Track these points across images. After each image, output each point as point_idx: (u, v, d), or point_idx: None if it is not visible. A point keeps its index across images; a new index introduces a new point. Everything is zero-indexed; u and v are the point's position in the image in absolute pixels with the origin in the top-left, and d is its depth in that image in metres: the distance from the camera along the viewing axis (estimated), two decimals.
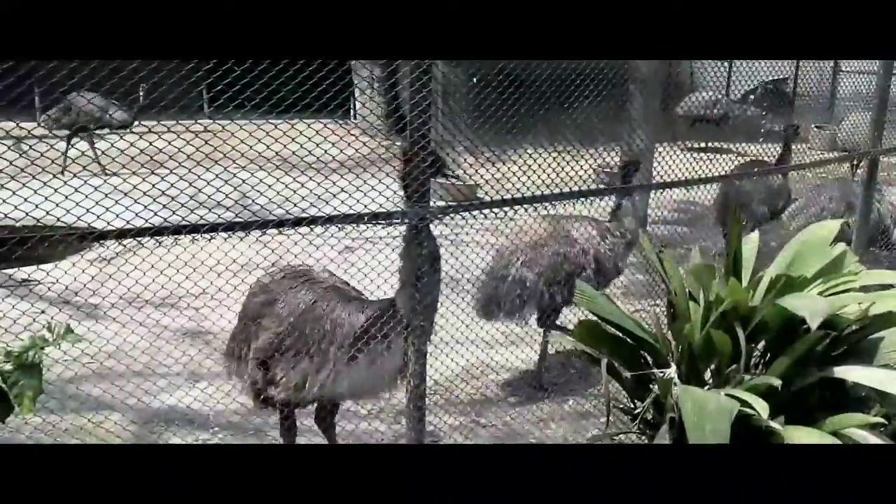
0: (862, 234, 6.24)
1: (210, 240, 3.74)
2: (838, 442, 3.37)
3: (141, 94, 11.55)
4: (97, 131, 12.26)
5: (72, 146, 12.20)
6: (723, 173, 6.13)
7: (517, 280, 5.69)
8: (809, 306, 3.54)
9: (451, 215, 4.07)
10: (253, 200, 4.67)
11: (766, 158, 8.44)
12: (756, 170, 7.67)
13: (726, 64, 15.18)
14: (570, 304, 5.73)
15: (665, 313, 4.38)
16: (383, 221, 3.64)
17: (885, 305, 3.91)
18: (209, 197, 3.85)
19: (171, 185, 3.56)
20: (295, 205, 4.16)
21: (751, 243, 4.53)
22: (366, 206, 3.76)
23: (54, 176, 3.37)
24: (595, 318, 3.96)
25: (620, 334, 3.95)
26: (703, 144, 15.36)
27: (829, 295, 4.08)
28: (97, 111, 11.88)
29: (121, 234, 3.16)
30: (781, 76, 14.95)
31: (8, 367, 2.49)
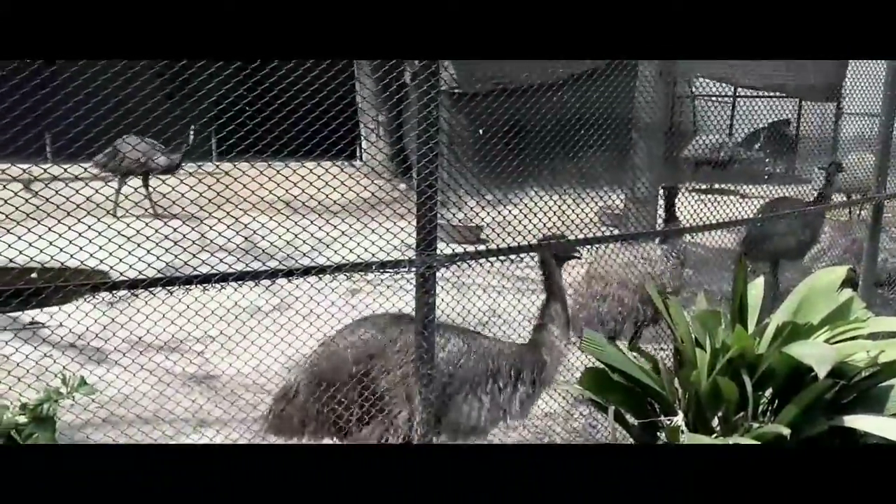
0: (869, 278, 6.22)
1: (221, 289, 3.76)
2: None
3: (191, 136, 11.84)
4: (144, 176, 12.40)
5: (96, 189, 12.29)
6: (746, 214, 6.23)
7: (616, 299, 6.39)
8: (817, 354, 3.52)
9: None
10: (256, 245, 4.68)
11: (790, 196, 8.44)
12: (779, 210, 7.63)
13: (729, 107, 15.29)
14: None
15: (672, 359, 4.36)
16: (391, 269, 3.63)
17: (894, 353, 3.90)
18: (211, 241, 3.86)
19: (174, 229, 3.57)
20: (299, 249, 4.16)
21: (756, 289, 4.51)
22: (373, 254, 3.76)
23: (79, 220, 3.39)
24: (602, 366, 3.94)
25: (628, 382, 3.93)
26: (705, 186, 15.41)
27: (837, 342, 4.06)
28: (142, 156, 11.99)
29: (133, 285, 3.16)
30: (783, 118, 15.02)
31: (22, 419, 2.48)
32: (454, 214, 10.62)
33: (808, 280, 4.44)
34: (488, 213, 5.27)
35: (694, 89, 15.27)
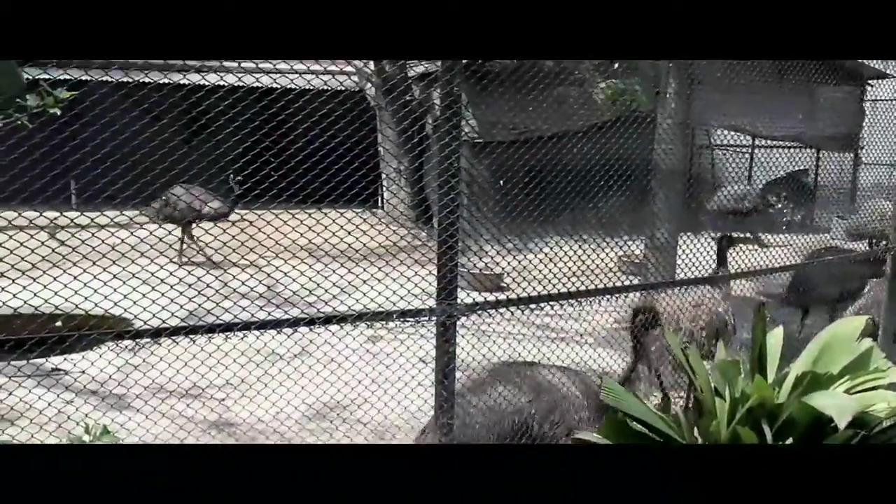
0: (889, 327, 6.19)
1: (243, 337, 3.83)
2: None
3: (234, 184, 12.07)
4: (187, 224, 12.65)
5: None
6: (771, 263, 6.34)
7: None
8: (837, 405, 3.51)
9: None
10: (279, 293, 4.73)
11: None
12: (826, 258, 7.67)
13: (747, 156, 15.33)
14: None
15: (692, 409, 4.35)
16: (411, 318, 3.67)
17: None
18: (234, 290, 3.92)
19: (198, 278, 3.63)
20: (321, 298, 4.21)
21: (775, 338, 4.51)
22: (394, 302, 3.80)
23: (104, 269, 3.46)
24: (622, 416, 3.94)
25: (647, 431, 3.93)
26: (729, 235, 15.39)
27: (857, 392, 4.05)
28: (196, 203, 12.21)
29: (156, 333, 3.21)
30: (801, 167, 15.06)
31: None
32: (475, 263, 10.67)
33: (829, 329, 4.43)
34: (508, 263, 5.32)
35: (713, 139, 15.35)
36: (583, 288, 4.63)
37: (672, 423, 4.00)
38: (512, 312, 4.21)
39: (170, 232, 12.15)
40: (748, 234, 8.48)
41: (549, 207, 5.69)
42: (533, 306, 4.13)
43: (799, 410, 3.75)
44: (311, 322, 3.48)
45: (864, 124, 12.84)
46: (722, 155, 15.47)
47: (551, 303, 4.28)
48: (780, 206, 15.69)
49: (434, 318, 3.64)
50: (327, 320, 3.49)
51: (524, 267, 4.85)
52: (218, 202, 12.52)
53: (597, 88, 8.28)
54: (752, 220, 15.60)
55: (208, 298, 3.66)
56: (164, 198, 12.33)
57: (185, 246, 12.60)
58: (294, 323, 3.43)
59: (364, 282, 4.42)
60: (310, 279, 4.11)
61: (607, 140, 6.17)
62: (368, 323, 3.72)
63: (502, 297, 4.02)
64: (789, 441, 3.98)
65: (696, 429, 4.10)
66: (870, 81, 13.70)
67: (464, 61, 12.60)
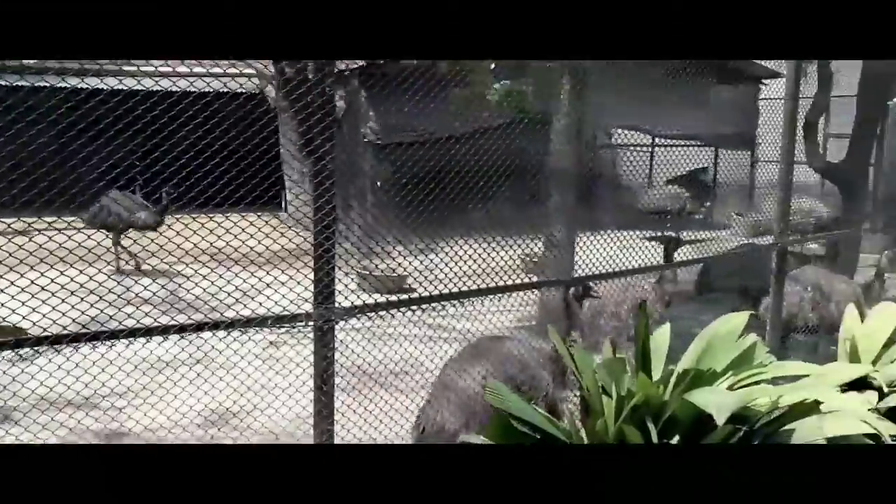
0: (777, 322, 6.32)
1: (130, 345, 3.67)
2: None
3: (164, 196, 11.62)
4: (118, 232, 12.23)
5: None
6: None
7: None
8: (717, 401, 3.52)
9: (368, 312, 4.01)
10: (181, 299, 4.55)
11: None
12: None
13: (648, 155, 15.59)
14: None
15: (579, 407, 4.33)
16: (287, 324, 3.54)
17: (795, 396, 3.92)
18: (137, 295, 3.77)
19: (99, 283, 3.47)
20: (223, 302, 4.08)
21: (662, 335, 4.53)
22: (298, 306, 3.68)
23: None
24: (507, 416, 3.88)
25: (531, 432, 3.88)
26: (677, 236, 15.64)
27: (740, 387, 4.09)
28: (126, 212, 11.88)
29: (37, 342, 3.05)
30: (701, 166, 15.38)
31: None
32: (376, 265, 10.57)
33: (712, 326, 4.47)
34: (410, 263, 5.25)
35: (614, 139, 15.57)
36: (482, 286, 4.61)
37: (558, 423, 3.97)
38: (413, 312, 4.15)
39: (89, 237, 11.76)
40: (680, 234, 8.69)
41: (451, 208, 5.64)
42: (436, 305, 4.05)
43: (681, 407, 3.75)
44: (181, 329, 3.33)
45: (759, 123, 13.17)
46: (623, 154, 15.70)
47: (453, 303, 4.23)
48: (707, 205, 16.01)
49: (311, 324, 3.52)
50: (198, 328, 3.34)
51: (426, 267, 4.78)
52: (149, 213, 12.13)
53: (490, 90, 8.29)
54: (672, 218, 15.87)
55: (110, 304, 3.49)
56: (99, 204, 11.93)
57: (119, 253, 12.24)
58: (164, 330, 3.27)
59: (267, 285, 4.30)
60: (212, 283, 3.99)
61: (503, 141, 6.16)
62: (241, 330, 3.56)
63: (382, 299, 3.89)
64: (676, 438, 4.01)
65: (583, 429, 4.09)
66: (764, 81, 14.06)
67: (363, 63, 12.44)
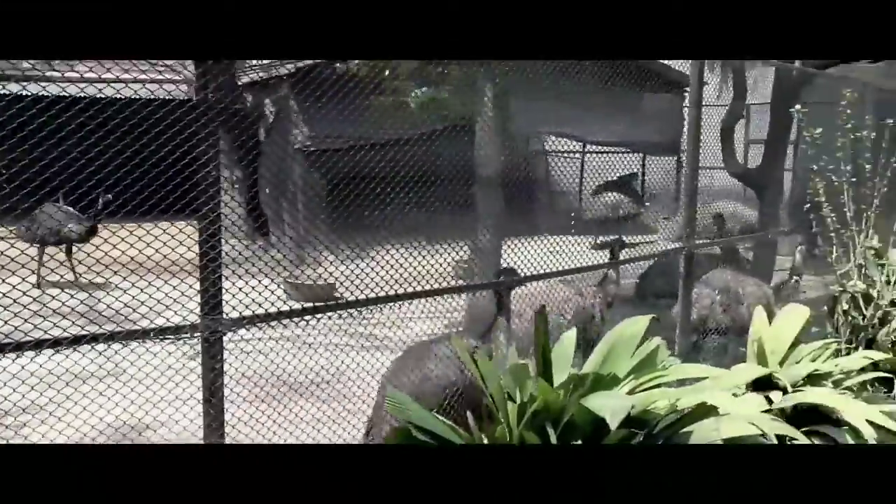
0: (686, 326, 6.41)
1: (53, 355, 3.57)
2: None
3: (100, 202, 11.11)
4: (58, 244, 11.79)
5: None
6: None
7: None
8: (611, 405, 3.56)
9: (269, 320, 3.93)
10: (96, 311, 4.45)
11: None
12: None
13: (579, 161, 15.73)
14: None
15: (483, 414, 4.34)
16: (171, 336, 3.44)
17: (692, 399, 3.98)
18: (45, 305, 3.67)
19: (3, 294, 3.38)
20: (145, 316, 3.98)
21: (569, 339, 4.56)
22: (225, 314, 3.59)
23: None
24: (407, 425, 3.87)
25: (433, 441, 3.87)
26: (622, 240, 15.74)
27: (641, 391, 4.13)
28: (57, 224, 11.38)
29: None
30: (631, 172, 15.56)
31: None
32: (303, 272, 10.47)
33: (615, 330, 4.52)
34: (338, 270, 5.19)
35: (545, 145, 15.67)
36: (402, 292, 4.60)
37: (461, 430, 3.97)
38: (342, 318, 4.10)
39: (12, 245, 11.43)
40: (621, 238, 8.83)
41: (380, 215, 5.63)
42: (365, 311, 4.01)
43: (579, 412, 3.78)
44: (55, 343, 3.22)
45: (684, 129, 13.35)
46: (554, 160, 15.82)
47: (382, 310, 4.19)
48: (648, 211, 16.16)
49: (198, 335, 3.43)
50: (75, 340, 3.23)
51: (356, 275, 4.74)
52: (79, 224, 11.64)
53: (411, 96, 8.30)
54: (608, 223, 15.99)
55: (15, 315, 3.39)
56: (31, 216, 11.43)
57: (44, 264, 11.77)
58: (36, 345, 3.16)
59: (182, 293, 4.21)
60: (133, 297, 3.89)
61: (430, 147, 6.17)
62: (123, 343, 3.44)
63: (273, 309, 3.81)
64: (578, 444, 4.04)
65: (485, 436, 4.09)
66: (687, 88, 14.28)
67: (293, 68, 12.33)
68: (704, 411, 3.88)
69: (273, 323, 3.91)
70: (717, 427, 3.90)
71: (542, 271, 6.08)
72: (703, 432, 3.91)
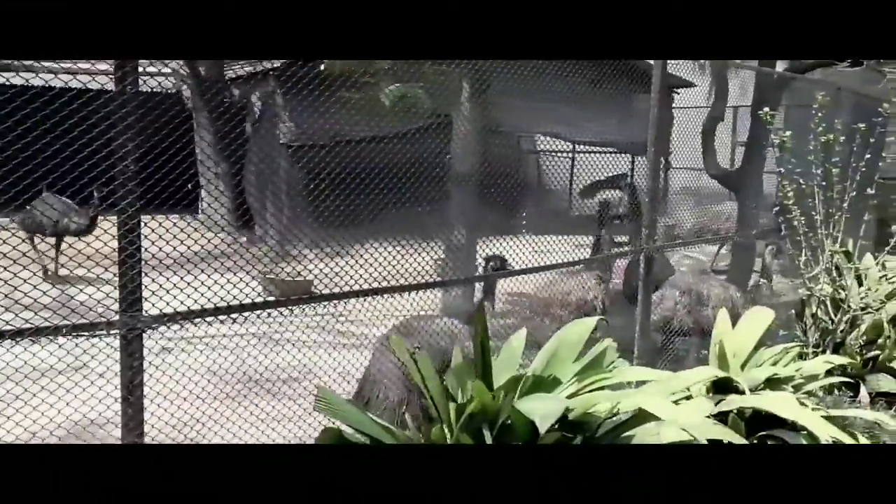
0: (645, 328, 6.36)
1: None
2: None
3: (95, 197, 11.05)
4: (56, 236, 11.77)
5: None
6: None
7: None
8: (542, 409, 3.51)
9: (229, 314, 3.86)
10: (66, 302, 4.43)
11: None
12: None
13: (569, 159, 15.69)
14: None
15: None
16: (86, 333, 3.34)
17: (633, 402, 3.94)
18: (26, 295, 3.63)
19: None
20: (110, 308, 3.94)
21: (518, 339, 4.51)
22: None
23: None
24: (339, 426, 3.82)
25: (368, 441, 3.82)
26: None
27: (584, 393, 4.08)
28: (57, 216, 11.30)
29: None
30: (620, 172, 15.52)
31: None
32: (282, 268, 10.42)
33: (562, 331, 4.47)
34: (316, 266, 5.15)
35: (537, 145, 15.63)
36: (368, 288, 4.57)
37: (396, 430, 3.92)
38: (321, 315, 4.03)
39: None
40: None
41: (361, 211, 5.59)
42: (341, 307, 3.96)
43: (514, 415, 3.73)
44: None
45: (672, 130, 13.31)
46: (545, 160, 15.78)
47: (358, 307, 4.15)
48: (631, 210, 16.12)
49: (115, 332, 3.34)
50: (17, 334, 3.17)
51: (336, 273, 4.70)
52: (79, 217, 11.50)
53: (385, 93, 8.23)
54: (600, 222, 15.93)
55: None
56: (29, 207, 11.35)
57: (40, 257, 11.63)
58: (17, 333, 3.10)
59: (160, 286, 4.19)
60: (106, 293, 3.85)
61: (411, 144, 6.15)
62: (32, 339, 3.34)
63: (196, 307, 3.73)
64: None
65: (423, 437, 4.05)
66: (676, 90, 14.21)
67: (280, 64, 12.28)
68: (644, 417, 3.84)
69: (245, 318, 3.87)
70: (657, 431, 3.85)
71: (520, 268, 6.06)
72: (645, 436, 3.86)
